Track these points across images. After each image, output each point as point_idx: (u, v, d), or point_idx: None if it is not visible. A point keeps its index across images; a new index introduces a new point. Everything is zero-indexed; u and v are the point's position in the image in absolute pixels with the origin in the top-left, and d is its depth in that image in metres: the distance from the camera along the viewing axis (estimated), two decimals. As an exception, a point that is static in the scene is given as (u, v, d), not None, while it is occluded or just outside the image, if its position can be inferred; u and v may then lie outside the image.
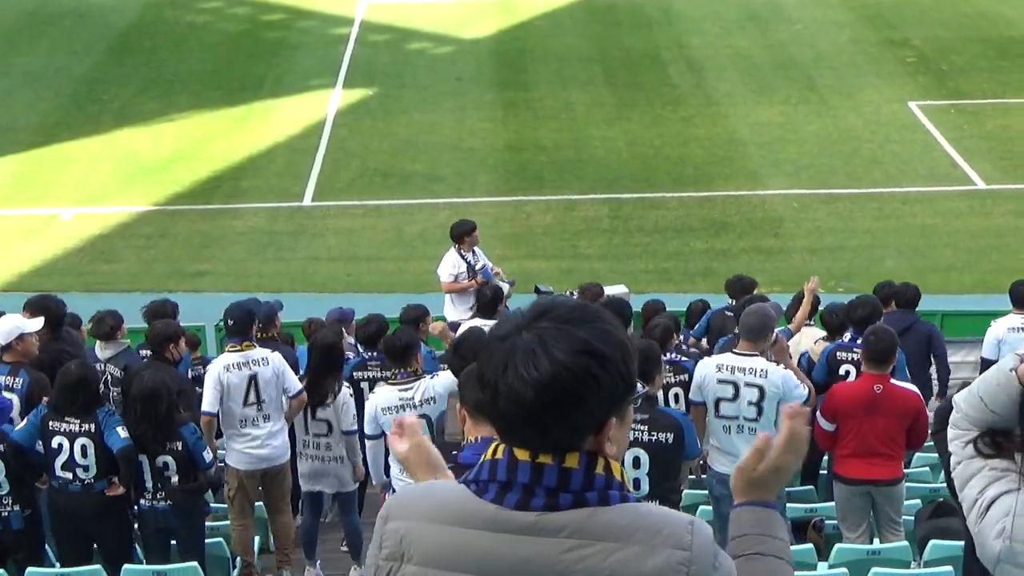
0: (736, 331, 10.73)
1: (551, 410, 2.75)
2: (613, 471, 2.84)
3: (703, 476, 10.34)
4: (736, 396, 9.49)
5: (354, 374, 11.33)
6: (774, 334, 9.88)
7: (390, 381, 9.62)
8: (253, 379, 10.13)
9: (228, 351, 10.28)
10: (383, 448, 9.62)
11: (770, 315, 9.87)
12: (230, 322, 10.31)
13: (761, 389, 9.44)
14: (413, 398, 9.33)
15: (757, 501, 3.15)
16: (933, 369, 13.40)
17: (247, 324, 10.36)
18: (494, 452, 2.88)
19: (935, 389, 13.28)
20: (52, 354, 10.51)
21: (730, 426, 9.58)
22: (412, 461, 3.44)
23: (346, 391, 10.40)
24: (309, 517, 10.72)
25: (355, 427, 10.33)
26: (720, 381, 9.54)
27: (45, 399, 9.45)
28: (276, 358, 10.28)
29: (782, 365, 9.77)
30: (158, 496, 9.32)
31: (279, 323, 12.46)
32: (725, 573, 2.86)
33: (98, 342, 11.67)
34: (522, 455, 2.82)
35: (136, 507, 9.52)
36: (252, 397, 10.14)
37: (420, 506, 2.93)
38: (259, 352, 10.29)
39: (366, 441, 9.88)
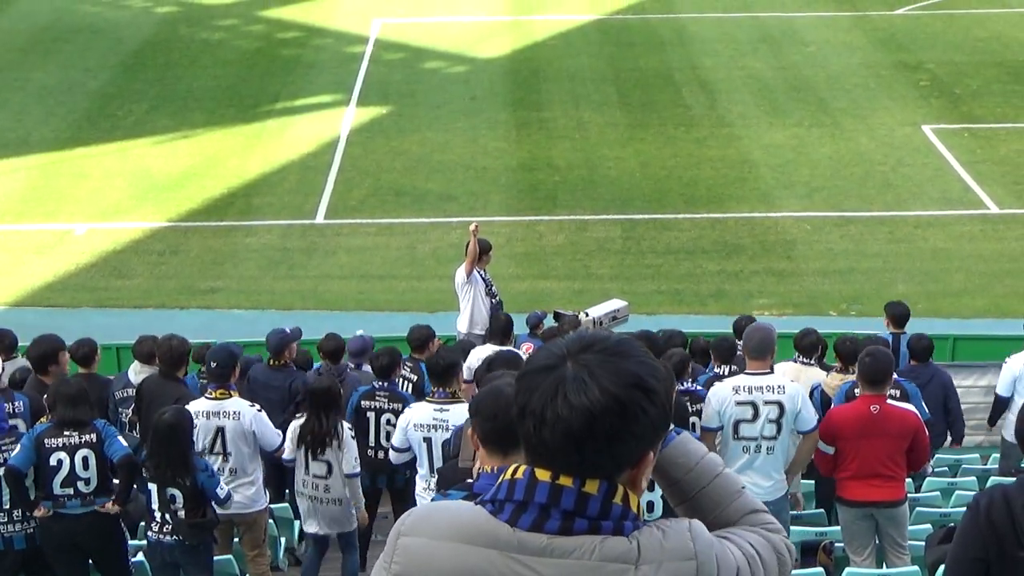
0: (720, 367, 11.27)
1: (598, 440, 2.75)
2: (631, 503, 2.84)
3: None
4: (756, 416, 9.51)
5: (362, 403, 11.17)
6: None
7: (428, 399, 9.65)
8: (220, 431, 9.88)
9: (205, 397, 10.05)
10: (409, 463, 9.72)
11: (769, 331, 9.94)
12: (213, 365, 10.07)
13: (780, 405, 9.50)
14: (447, 420, 9.18)
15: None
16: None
17: (229, 369, 10.11)
18: (514, 472, 2.87)
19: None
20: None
21: (749, 446, 9.58)
22: None
23: (348, 433, 10.21)
24: (311, 557, 10.59)
25: (357, 469, 10.19)
26: (739, 403, 9.55)
27: (44, 418, 9.36)
28: (249, 416, 9.98)
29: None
30: (165, 529, 9.21)
31: (294, 350, 12.19)
32: (727, 566, 2.89)
33: (135, 364, 11.67)
34: (543, 475, 2.81)
35: (146, 538, 9.47)
36: (218, 447, 9.91)
37: (434, 523, 2.92)
38: (234, 404, 9.99)
39: (391, 453, 9.91)
